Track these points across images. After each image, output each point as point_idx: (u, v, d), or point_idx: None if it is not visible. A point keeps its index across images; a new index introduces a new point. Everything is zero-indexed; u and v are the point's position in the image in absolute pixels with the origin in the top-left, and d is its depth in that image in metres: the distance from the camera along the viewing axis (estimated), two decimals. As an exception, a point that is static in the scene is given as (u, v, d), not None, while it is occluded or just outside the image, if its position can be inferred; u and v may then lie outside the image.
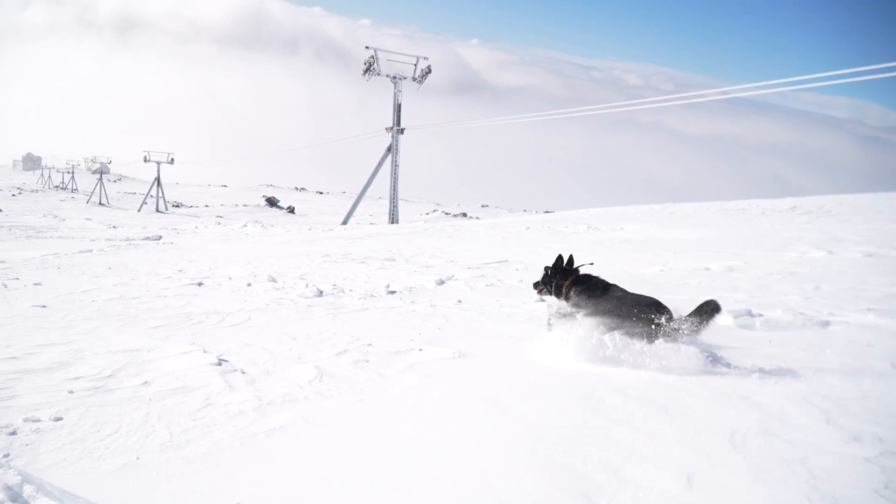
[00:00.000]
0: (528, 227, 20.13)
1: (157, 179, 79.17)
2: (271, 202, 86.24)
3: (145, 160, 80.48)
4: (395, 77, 50.67)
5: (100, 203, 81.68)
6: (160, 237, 27.22)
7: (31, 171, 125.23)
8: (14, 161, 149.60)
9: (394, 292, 10.21)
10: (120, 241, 25.49)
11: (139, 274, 12.68)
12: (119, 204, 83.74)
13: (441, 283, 10.96)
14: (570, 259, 6.61)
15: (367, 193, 54.87)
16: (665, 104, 37.21)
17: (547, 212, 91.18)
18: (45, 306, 9.14)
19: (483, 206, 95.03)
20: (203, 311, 8.53)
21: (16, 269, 14.15)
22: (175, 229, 35.93)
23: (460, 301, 9.34)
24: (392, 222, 49.38)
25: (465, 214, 77.53)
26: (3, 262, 15.78)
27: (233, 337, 6.96)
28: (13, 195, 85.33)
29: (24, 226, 42.41)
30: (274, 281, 11.16)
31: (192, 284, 10.95)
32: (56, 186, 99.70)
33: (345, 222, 49.51)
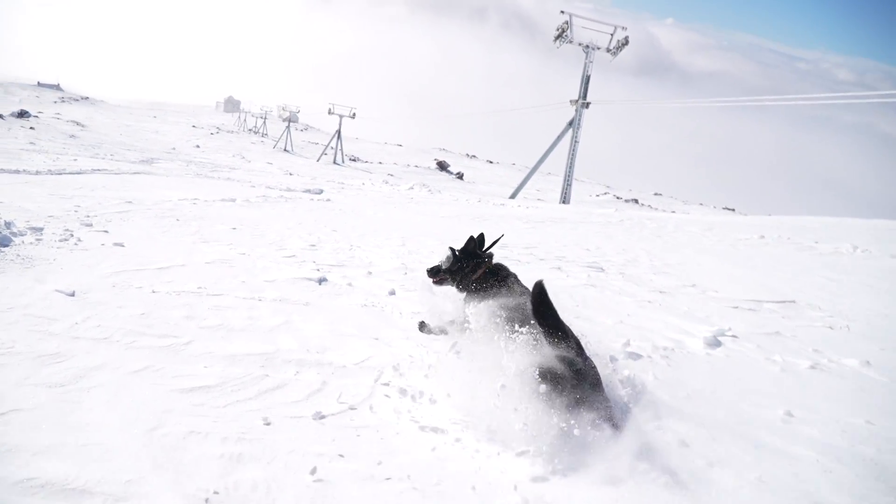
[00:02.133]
0: (764, 237, 14.69)
1: (338, 132, 78.61)
2: (442, 166, 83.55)
3: (329, 112, 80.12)
4: (587, 46, 45.01)
5: (284, 149, 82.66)
6: (321, 191, 24.18)
7: (231, 113, 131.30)
8: (217, 102, 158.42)
9: (639, 356, 5.47)
10: (281, 190, 22.69)
11: (259, 245, 9.07)
12: (301, 152, 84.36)
13: (715, 343, 6.02)
14: (481, 238, 5.26)
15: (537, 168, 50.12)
16: (879, 101, 29.78)
17: (727, 208, 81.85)
18: (72, 294, 5.51)
19: (656, 193, 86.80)
20: (290, 359, 4.70)
21: (129, 213, 11.05)
22: (342, 184, 33.17)
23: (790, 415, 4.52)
24: (563, 202, 44.45)
25: (636, 201, 70.77)
26: (129, 202, 12.87)
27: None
28: (211, 133, 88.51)
29: (208, 163, 41.76)
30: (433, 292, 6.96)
31: (312, 280, 7.02)
32: (249, 129, 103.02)
33: (513, 196, 45.24)
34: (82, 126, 65.18)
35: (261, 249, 8.68)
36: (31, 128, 49.15)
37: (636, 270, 9.68)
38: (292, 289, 6.54)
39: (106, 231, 8.74)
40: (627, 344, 5.46)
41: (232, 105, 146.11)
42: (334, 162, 73.22)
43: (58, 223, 8.95)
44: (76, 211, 10.55)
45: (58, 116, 72.21)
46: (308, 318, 5.61)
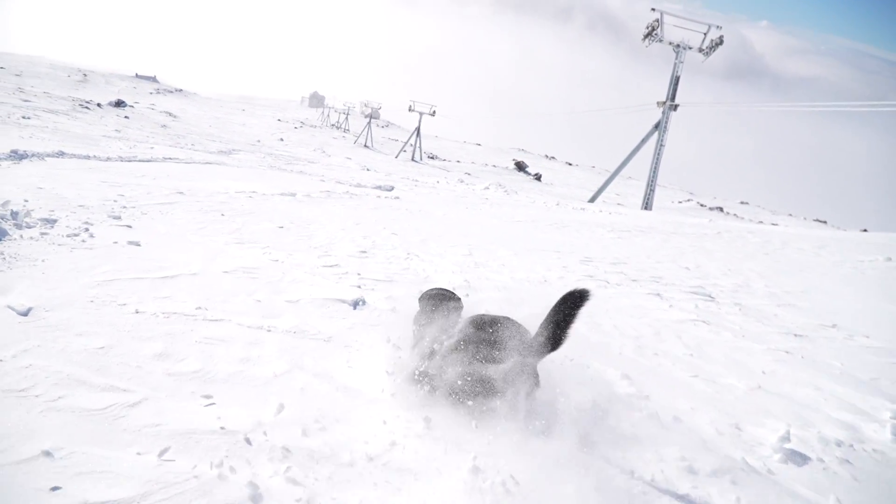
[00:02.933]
0: (891, 259, 12.35)
1: (418, 130, 77.67)
2: (520, 166, 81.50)
3: (409, 109, 79.27)
4: (678, 45, 42.17)
5: (365, 145, 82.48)
6: (392, 188, 22.89)
7: (315, 109, 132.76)
8: (302, 97, 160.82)
9: (804, 459, 3.53)
10: (350, 186, 21.50)
11: (301, 249, 7.66)
12: (381, 148, 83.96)
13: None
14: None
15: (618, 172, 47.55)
16: None
17: (818, 220, 76.36)
18: (27, 312, 4.19)
19: (742, 202, 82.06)
20: (275, 449, 2.99)
21: (173, 206, 9.90)
22: (416, 181, 31.87)
23: None
24: (645, 208, 41.88)
25: (721, 209, 66.82)
26: (181, 192, 11.77)
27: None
28: (295, 128, 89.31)
29: (287, 156, 41.39)
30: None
31: (345, 303, 5.47)
32: (332, 125, 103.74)
33: (592, 200, 42.94)
34: (174, 117, 66.51)
35: (300, 255, 7.25)
36: (125, 117, 50.04)
37: (753, 301, 7.75)
38: (316, 314, 5.02)
39: (129, 226, 7.49)
40: (786, 437, 3.63)
41: (316, 100, 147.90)
42: (412, 159, 72.35)
43: (82, 214, 7.79)
44: (115, 201, 9.45)
45: (152, 107, 74.05)
46: (323, 364, 4.06)
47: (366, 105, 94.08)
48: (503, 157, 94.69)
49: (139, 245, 6.55)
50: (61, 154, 16.32)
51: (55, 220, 7.04)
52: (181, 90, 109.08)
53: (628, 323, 6.12)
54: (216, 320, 4.55)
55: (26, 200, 8.17)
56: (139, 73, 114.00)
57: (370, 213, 12.88)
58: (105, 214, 7.99)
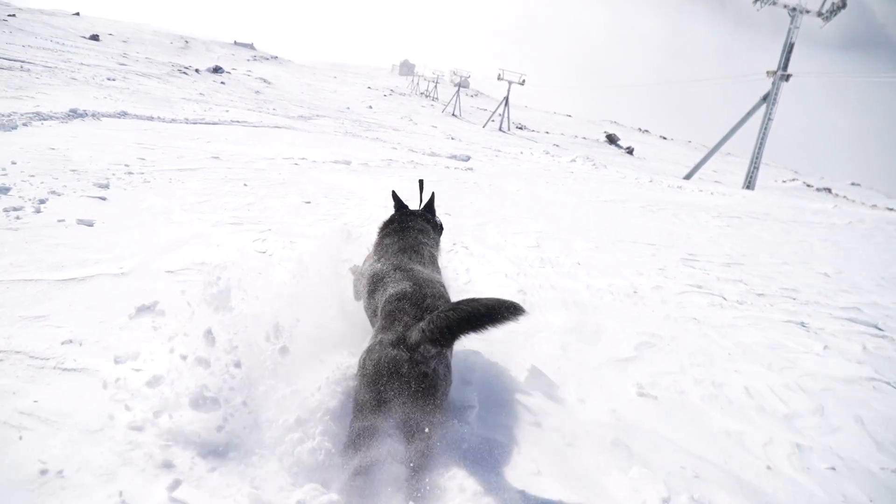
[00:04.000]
0: None
1: (506, 99, 74.73)
2: (611, 139, 77.41)
3: (498, 78, 76.21)
4: (794, 9, 37.64)
5: (453, 114, 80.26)
6: (468, 158, 20.84)
7: (405, 77, 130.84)
8: (393, 65, 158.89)
9: None
10: (423, 155, 19.62)
11: (316, 232, 5.88)
12: (469, 117, 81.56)
13: None
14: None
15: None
16: None
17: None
18: None
19: (853, 183, 74.94)
20: None
21: (194, 172, 8.29)
22: (498, 151, 29.67)
23: None
24: (747, 187, 37.99)
25: (829, 190, 61.09)
26: (216, 157, 10.20)
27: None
28: (384, 95, 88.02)
29: (369, 122, 39.95)
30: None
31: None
32: (421, 93, 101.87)
33: (688, 176, 39.39)
34: (268, 83, 66.48)
35: (304, 244, 5.44)
36: (221, 82, 49.87)
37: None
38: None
39: (104, 198, 5.78)
40: None
41: (407, 68, 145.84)
42: (500, 129, 69.76)
43: (60, 182, 6.20)
44: (127, 166, 7.90)
45: (248, 73, 74.43)
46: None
47: (455, 73, 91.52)
48: (594, 130, 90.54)
49: (90, 226, 4.85)
50: (123, 114, 15.22)
51: (7, 189, 5.46)
52: (276, 57, 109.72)
53: (767, 382, 3.91)
54: (73, 370, 2.74)
55: (14, 162, 6.73)
56: (238, 41, 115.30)
57: (429, 187, 10.95)
58: (90, 183, 6.38)
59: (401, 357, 2.42)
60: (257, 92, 48.68)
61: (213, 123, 18.16)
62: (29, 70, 21.80)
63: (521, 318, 2.45)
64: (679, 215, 11.65)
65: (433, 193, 4.40)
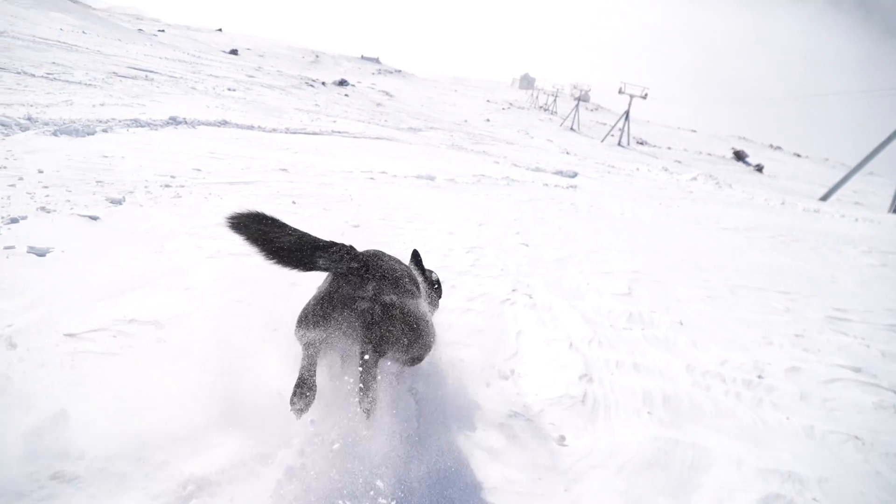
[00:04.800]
0: None
1: (627, 113, 71.48)
2: (739, 156, 72.03)
3: (620, 92, 73.02)
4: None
5: (571, 128, 77.85)
6: (575, 175, 19.11)
7: (524, 90, 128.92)
8: (513, 79, 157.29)
9: None
10: (526, 170, 18.14)
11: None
12: (588, 132, 78.78)
13: None
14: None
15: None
16: None
17: None
18: None
19: None
20: None
21: (247, 186, 7.34)
22: (611, 167, 27.58)
23: None
24: (893, 211, 33.51)
25: None
26: (284, 169, 9.29)
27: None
28: (503, 109, 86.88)
29: (485, 136, 38.95)
30: None
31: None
32: (540, 107, 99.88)
33: (825, 198, 35.32)
34: (390, 96, 67.28)
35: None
36: (346, 95, 50.67)
37: None
38: None
39: (96, 217, 4.82)
40: None
41: (527, 82, 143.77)
42: (619, 144, 66.73)
43: (77, 193, 5.38)
44: (173, 177, 7.07)
45: (372, 86, 75.78)
46: None
47: (575, 87, 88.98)
48: (719, 146, 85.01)
49: (41, 256, 3.81)
50: (223, 123, 14.98)
51: (-11, 205, 4.60)
52: (400, 71, 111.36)
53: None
54: None
55: (41, 171, 6.00)
56: (364, 55, 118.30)
57: (515, 206, 9.49)
58: (104, 197, 5.47)
59: None
60: (378, 104, 48.92)
61: (313, 134, 17.71)
62: (153, 80, 22.37)
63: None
64: (819, 249, 9.46)
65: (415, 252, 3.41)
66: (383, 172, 10.75)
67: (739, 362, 4.06)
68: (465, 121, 55.72)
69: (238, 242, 4.71)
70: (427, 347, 2.65)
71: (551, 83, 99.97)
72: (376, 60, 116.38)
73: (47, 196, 5.16)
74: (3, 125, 9.18)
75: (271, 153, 11.40)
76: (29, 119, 9.82)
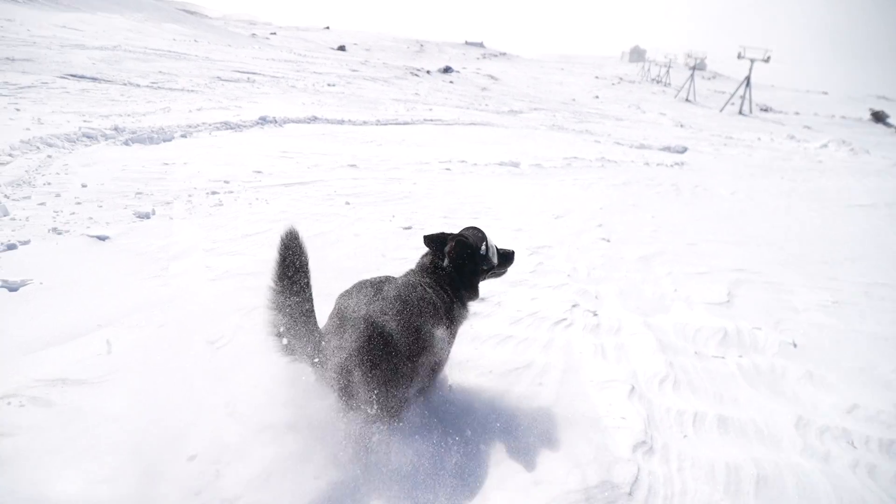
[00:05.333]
0: None
1: (748, 79, 66.03)
2: (878, 117, 64.78)
3: (739, 57, 67.37)
4: None
5: (686, 99, 73.18)
6: (684, 150, 17.39)
7: (635, 63, 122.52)
8: (622, 52, 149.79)
9: None
10: (629, 148, 16.69)
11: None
12: (705, 102, 73.74)
13: None
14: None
15: None
16: None
17: None
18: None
19: None
20: None
21: (301, 187, 6.78)
22: (728, 138, 25.19)
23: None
24: None
25: None
26: (353, 165, 8.71)
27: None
28: (612, 84, 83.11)
29: (592, 113, 37.25)
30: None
31: None
32: (652, 79, 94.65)
33: None
34: (495, 79, 66.12)
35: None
36: (450, 82, 50.20)
37: None
38: None
39: (105, 238, 4.33)
40: None
41: (637, 55, 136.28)
42: (740, 112, 61.94)
43: (108, 208, 5.00)
44: (226, 182, 6.65)
45: (477, 71, 74.88)
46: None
47: (689, 56, 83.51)
48: (855, 108, 77.12)
49: (14, 290, 3.35)
50: (312, 119, 14.85)
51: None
52: (505, 54, 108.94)
53: None
54: None
55: (84, 185, 5.71)
56: (468, 41, 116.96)
57: (605, 192, 8.37)
58: (132, 212, 5.03)
59: None
60: (483, 89, 47.95)
61: (404, 124, 17.25)
62: (254, 81, 22.74)
63: None
64: None
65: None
66: (463, 161, 9.94)
67: (876, 409, 2.92)
68: (573, 99, 53.53)
69: (251, 260, 4.10)
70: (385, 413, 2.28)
71: (663, 54, 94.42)
72: (480, 45, 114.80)
73: (72, 214, 4.78)
74: (88, 137, 9.22)
75: (349, 147, 10.94)
76: (115, 129, 9.84)
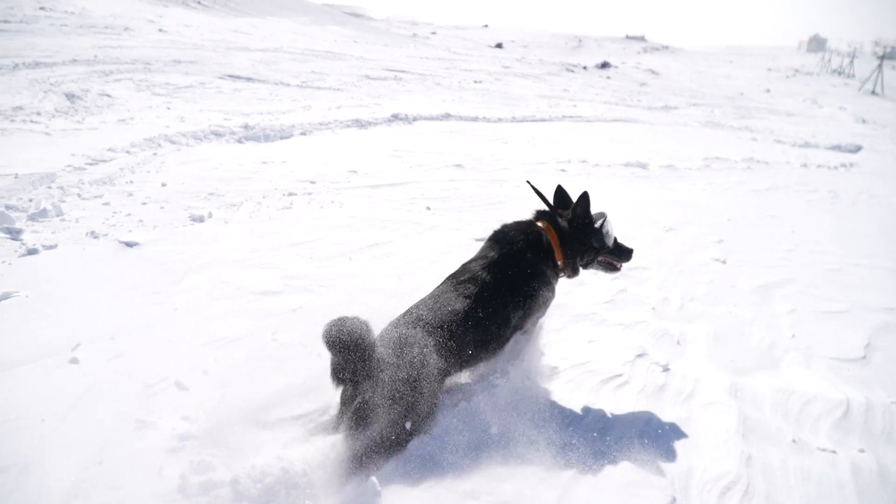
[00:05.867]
0: None
1: (953, 68, 57.09)
2: None
3: (942, 43, 58.53)
4: None
5: (872, 92, 64.73)
6: (858, 148, 14.88)
7: (814, 53, 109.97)
8: (800, 42, 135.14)
9: None
10: (790, 146, 14.60)
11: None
12: (894, 94, 65.04)
13: None
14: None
15: None
16: None
17: None
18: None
19: None
20: None
21: (387, 195, 6.27)
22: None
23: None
24: None
25: None
26: (458, 165, 8.08)
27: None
28: (787, 77, 75.29)
29: (758, 108, 34.03)
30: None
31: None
32: (833, 71, 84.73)
33: None
34: (656, 74, 62.60)
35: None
36: (607, 77, 48.23)
37: None
38: None
39: (135, 244, 4.01)
40: None
41: (816, 44, 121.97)
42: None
43: (169, 209, 4.81)
44: (313, 182, 6.35)
45: (637, 66, 71.34)
46: None
47: (877, 44, 73.81)
48: None
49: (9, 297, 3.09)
50: (445, 116, 14.54)
51: (19, 232, 4.11)
52: (667, 47, 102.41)
53: None
54: None
55: (164, 184, 5.61)
56: (629, 34, 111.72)
57: (740, 199, 7.03)
58: (188, 215, 4.76)
59: None
60: (642, 84, 45.29)
61: (540, 121, 16.45)
62: (401, 79, 22.88)
63: None
64: None
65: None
66: (583, 161, 8.98)
67: None
68: (741, 94, 49.01)
69: (275, 276, 3.61)
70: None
71: (846, 42, 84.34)
72: (641, 38, 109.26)
73: (127, 216, 4.61)
74: (216, 135, 9.42)
75: (469, 145, 10.38)
76: (245, 127, 10.01)
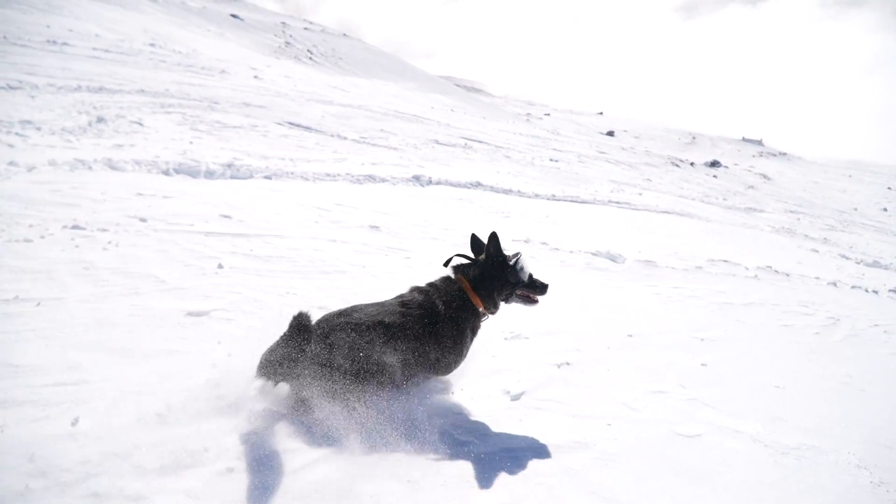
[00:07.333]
0: None
1: None
2: None
3: None
4: None
5: None
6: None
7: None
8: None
9: None
10: (857, 263, 12.26)
11: None
12: None
13: None
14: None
15: None
16: None
17: None
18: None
19: None
20: None
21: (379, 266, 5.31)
22: None
23: None
24: None
25: None
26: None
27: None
28: (913, 198, 68.34)
29: (866, 225, 30.62)
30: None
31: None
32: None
33: None
34: (767, 179, 58.71)
35: None
36: (713, 176, 45.67)
37: None
38: None
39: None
40: None
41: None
42: None
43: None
44: (315, 221, 5.52)
45: (750, 169, 67.46)
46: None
47: None
48: None
49: None
50: (475, 185, 13.47)
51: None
52: (785, 154, 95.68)
53: None
54: None
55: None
56: (745, 137, 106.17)
57: (698, 314, 5.42)
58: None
59: None
60: (750, 187, 42.14)
61: (581, 202, 15.02)
62: (470, 147, 22.02)
63: None
64: None
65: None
66: (544, 244, 7.61)
67: None
68: (855, 209, 44.39)
69: None
70: None
71: None
72: (759, 142, 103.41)
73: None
74: (209, 172, 8.90)
75: (450, 213, 9.31)
76: (229, 166, 9.41)
